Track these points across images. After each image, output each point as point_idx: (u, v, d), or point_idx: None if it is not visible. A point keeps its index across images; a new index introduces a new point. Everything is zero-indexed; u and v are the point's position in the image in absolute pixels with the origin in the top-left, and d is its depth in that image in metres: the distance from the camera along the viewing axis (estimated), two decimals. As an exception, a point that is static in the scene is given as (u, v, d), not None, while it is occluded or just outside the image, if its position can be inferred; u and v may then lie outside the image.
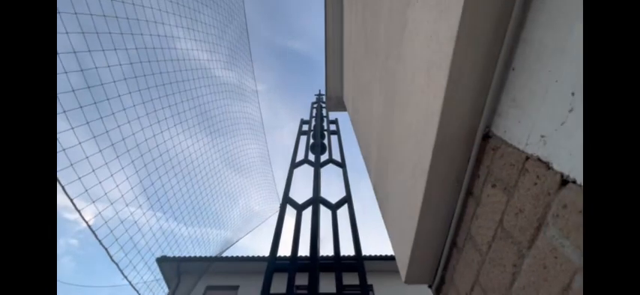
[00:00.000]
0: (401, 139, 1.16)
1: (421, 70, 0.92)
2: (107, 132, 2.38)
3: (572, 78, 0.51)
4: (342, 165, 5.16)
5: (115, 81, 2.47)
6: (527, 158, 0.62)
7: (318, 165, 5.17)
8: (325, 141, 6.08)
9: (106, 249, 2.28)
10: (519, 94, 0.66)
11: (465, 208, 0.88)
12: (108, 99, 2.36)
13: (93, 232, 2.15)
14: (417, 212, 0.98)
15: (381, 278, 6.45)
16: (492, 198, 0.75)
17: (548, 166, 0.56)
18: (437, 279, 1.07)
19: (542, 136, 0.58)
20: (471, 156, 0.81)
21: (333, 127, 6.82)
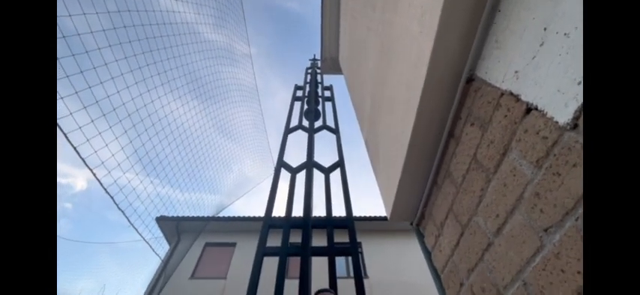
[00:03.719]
0: (393, 89, 1.22)
1: (415, 16, 0.95)
2: (97, 102, 2.31)
3: (545, 14, 0.57)
4: (335, 131, 5.24)
5: (99, 48, 2.35)
6: (502, 94, 0.70)
7: (312, 131, 5.24)
8: (319, 108, 6.08)
9: (118, 205, 2.37)
10: (502, 35, 0.71)
11: (447, 149, 0.98)
12: (94, 68, 2.26)
13: (106, 190, 2.22)
14: (403, 156, 1.08)
15: (368, 237, 6.95)
16: (470, 135, 0.84)
17: (517, 98, 0.64)
18: (418, 215, 1.22)
19: (516, 72, 0.65)
20: (455, 99, 0.89)
21: (327, 94, 6.77)
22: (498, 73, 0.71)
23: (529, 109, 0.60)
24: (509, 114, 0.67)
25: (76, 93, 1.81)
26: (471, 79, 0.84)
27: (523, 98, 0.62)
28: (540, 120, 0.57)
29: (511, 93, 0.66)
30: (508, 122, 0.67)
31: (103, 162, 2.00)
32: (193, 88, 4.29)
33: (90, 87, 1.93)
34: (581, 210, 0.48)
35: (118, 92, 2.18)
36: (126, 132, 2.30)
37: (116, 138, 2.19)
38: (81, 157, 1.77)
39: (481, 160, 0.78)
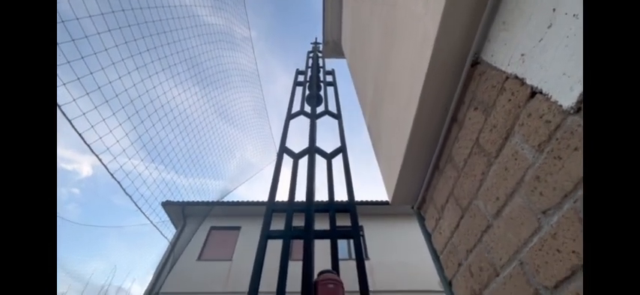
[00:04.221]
0: (396, 72, 1.20)
1: (421, -3, 0.92)
2: (99, 88, 2.31)
3: (555, -6, 0.55)
4: (337, 116, 5.21)
5: (98, 33, 2.30)
6: (507, 77, 0.69)
7: (314, 117, 5.21)
8: (321, 93, 6.01)
9: (125, 190, 2.43)
10: (509, 17, 0.69)
11: (449, 133, 0.98)
12: (95, 54, 2.23)
13: (112, 175, 2.27)
14: (405, 140, 1.08)
15: (369, 221, 7.09)
16: (473, 119, 0.84)
17: (522, 82, 0.64)
18: (419, 199, 1.24)
19: (523, 55, 0.64)
20: (459, 83, 0.88)
21: (329, 78, 6.66)
22: (504, 56, 0.70)
23: (534, 93, 0.60)
24: (513, 98, 0.67)
25: (78, 79, 1.81)
26: (476, 63, 0.83)
27: (528, 82, 0.62)
28: (544, 104, 0.56)
29: (516, 77, 0.65)
30: (512, 106, 0.67)
31: (108, 148, 2.03)
32: (194, 74, 4.26)
33: (91, 73, 1.92)
34: (580, 193, 0.49)
35: (120, 78, 2.18)
36: (129, 118, 2.31)
37: (120, 125, 2.20)
38: (86, 143, 1.79)
39: (483, 145, 0.78)
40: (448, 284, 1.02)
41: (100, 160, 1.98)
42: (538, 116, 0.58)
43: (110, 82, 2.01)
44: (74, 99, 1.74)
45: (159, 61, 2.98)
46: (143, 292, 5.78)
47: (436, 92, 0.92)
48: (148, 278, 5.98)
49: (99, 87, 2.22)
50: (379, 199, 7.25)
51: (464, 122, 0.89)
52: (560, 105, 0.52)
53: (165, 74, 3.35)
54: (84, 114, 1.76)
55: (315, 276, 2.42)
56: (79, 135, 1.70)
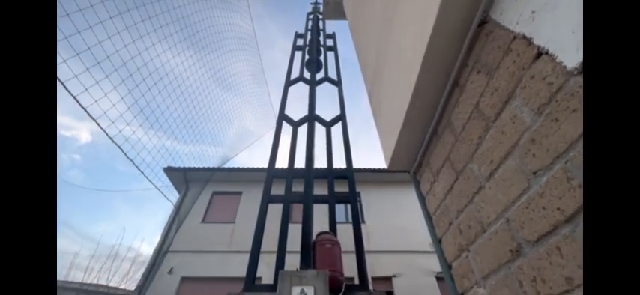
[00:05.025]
0: (399, 34, 1.15)
1: (430, -54, 0.84)
2: (89, 48, 2.18)
3: (576, -59, 0.51)
4: (337, 83, 5.07)
5: None
6: (514, 37, 0.66)
7: (313, 83, 5.08)
8: (321, 58, 5.77)
9: (126, 155, 2.45)
10: (523, -31, 0.65)
11: (450, 98, 0.97)
12: (80, 10, 2.06)
13: (112, 139, 2.26)
14: (405, 106, 1.08)
15: (367, 187, 7.32)
16: (475, 83, 0.83)
17: (529, 42, 0.62)
18: (415, 164, 1.27)
19: (533, 12, 0.61)
20: (464, 44, 0.85)
21: (329, 42, 6.35)
22: (513, 15, 0.67)
23: (539, 54, 0.58)
24: (518, 59, 0.65)
25: (66, 38, 1.73)
26: (483, 22, 0.79)
27: (535, 41, 0.60)
28: (549, 65, 0.55)
29: (524, 37, 0.63)
30: (516, 68, 0.65)
31: (105, 112, 2.01)
32: (187, 36, 4.06)
33: (79, 32, 1.83)
34: (571, 154, 0.50)
35: (109, 37, 2.07)
36: (123, 81, 2.25)
37: (114, 88, 2.15)
38: (82, 106, 1.77)
39: (483, 109, 0.78)
40: (438, 241, 1.09)
41: (98, 124, 1.97)
42: (541, 78, 0.58)
43: (100, 42, 1.91)
44: (64, 61, 1.68)
45: (149, 19, 2.82)
46: (152, 250, 6.16)
47: (440, 54, 0.89)
48: (156, 239, 6.34)
49: (89, 48, 2.12)
50: (376, 167, 7.41)
51: (465, 86, 0.88)
52: (565, 66, 0.51)
53: (158, 35, 3.19)
54: (76, 76, 1.71)
55: (314, 237, 2.56)
56: (74, 97, 1.66)
